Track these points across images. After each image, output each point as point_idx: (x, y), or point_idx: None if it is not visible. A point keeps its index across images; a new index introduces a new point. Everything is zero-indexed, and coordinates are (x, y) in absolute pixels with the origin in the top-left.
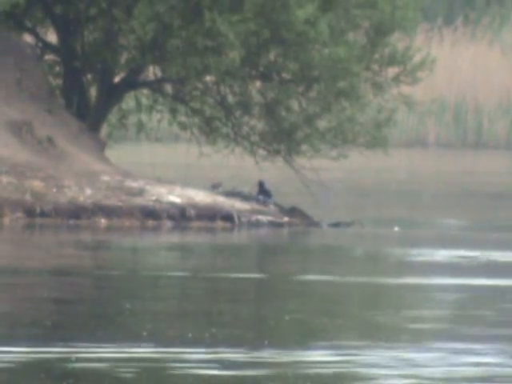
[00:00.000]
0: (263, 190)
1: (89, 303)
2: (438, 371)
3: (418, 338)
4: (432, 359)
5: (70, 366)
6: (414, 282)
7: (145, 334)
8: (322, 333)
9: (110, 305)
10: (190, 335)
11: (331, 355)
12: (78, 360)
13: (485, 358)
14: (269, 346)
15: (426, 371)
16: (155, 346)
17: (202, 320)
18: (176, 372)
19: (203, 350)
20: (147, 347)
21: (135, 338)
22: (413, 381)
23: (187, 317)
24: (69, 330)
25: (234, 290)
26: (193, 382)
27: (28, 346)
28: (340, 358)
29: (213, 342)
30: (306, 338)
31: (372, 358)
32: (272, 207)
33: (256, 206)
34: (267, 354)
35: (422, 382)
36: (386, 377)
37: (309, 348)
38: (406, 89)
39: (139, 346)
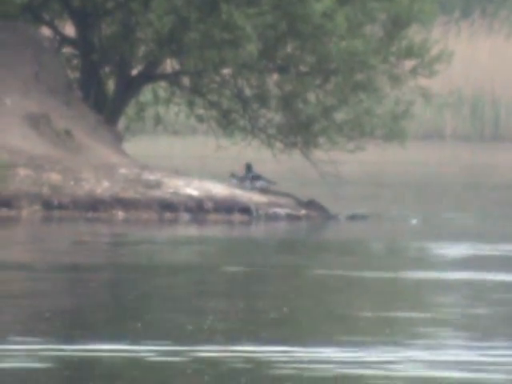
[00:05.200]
0: (251, 173)
1: (104, 299)
2: None
3: None
4: None
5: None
6: (447, 277)
7: (184, 330)
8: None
9: (126, 301)
10: (233, 331)
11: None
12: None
13: None
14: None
15: None
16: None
17: (236, 317)
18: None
19: (252, 348)
20: (174, 345)
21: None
22: None
23: (218, 313)
24: (83, 327)
25: (255, 285)
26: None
27: (44, 343)
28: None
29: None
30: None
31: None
32: (260, 187)
33: (273, 199)
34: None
35: None
36: None
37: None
38: (423, 81)
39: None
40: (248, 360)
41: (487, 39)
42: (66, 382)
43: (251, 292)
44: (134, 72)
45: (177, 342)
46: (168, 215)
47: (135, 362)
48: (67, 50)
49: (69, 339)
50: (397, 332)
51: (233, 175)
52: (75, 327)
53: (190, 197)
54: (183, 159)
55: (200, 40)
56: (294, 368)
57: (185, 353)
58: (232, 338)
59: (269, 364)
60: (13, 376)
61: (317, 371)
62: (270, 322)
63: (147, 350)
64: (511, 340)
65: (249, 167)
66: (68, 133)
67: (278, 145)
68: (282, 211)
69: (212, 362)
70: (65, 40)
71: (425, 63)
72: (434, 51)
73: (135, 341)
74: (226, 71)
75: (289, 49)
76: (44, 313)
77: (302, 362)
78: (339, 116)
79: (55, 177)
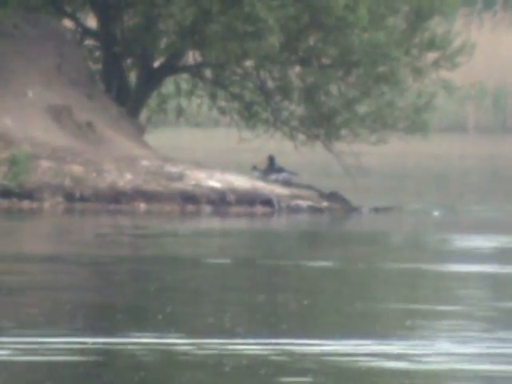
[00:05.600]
0: (273, 166)
1: (126, 291)
2: None
3: None
4: None
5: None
6: (470, 269)
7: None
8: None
9: (149, 296)
10: (251, 326)
11: None
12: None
13: None
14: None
15: None
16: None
17: (258, 310)
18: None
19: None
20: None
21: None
22: None
23: (249, 307)
24: (105, 319)
25: (279, 279)
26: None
27: (67, 336)
28: None
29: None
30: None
31: None
32: (283, 179)
33: (295, 191)
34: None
35: None
36: None
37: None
38: (445, 73)
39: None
40: (269, 352)
41: (509, 31)
42: (88, 375)
43: (272, 284)
44: (156, 64)
45: (198, 334)
46: (190, 207)
47: (157, 355)
48: (89, 42)
49: (91, 332)
50: (420, 324)
51: (255, 168)
52: (97, 320)
53: (212, 189)
54: (205, 151)
55: (222, 32)
56: (316, 360)
57: (206, 345)
58: (253, 330)
59: (290, 356)
60: (36, 369)
61: (339, 363)
62: (292, 315)
63: (169, 343)
64: None
65: (271, 159)
66: (90, 125)
67: (301, 137)
68: (304, 203)
69: (233, 355)
70: (87, 32)
71: (447, 55)
72: (456, 43)
73: (157, 333)
74: (249, 63)
75: (311, 41)
76: (66, 305)
77: (323, 354)
78: (361, 108)
79: (77, 169)
